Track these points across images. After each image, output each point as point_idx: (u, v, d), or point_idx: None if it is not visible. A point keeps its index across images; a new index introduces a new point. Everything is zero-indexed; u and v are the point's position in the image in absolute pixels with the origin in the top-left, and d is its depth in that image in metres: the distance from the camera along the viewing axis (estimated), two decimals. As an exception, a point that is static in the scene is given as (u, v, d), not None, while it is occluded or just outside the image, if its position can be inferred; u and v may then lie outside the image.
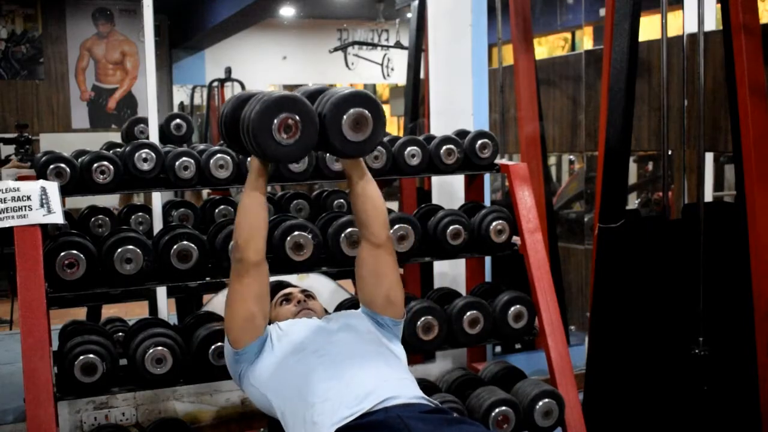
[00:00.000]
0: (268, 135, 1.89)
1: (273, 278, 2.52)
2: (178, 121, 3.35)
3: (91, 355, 2.35)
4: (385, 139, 2.93)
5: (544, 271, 2.82)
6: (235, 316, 2.04)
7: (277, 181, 2.73)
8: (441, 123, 3.37)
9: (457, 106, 3.44)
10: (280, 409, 1.97)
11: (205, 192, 3.86)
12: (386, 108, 13.14)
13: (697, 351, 2.98)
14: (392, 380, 1.91)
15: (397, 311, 2.14)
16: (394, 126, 12.25)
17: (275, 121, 1.89)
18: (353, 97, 1.97)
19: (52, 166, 2.47)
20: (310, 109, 1.94)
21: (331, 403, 1.84)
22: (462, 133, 3.04)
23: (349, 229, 2.65)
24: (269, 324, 2.15)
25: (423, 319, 2.71)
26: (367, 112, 1.96)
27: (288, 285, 2.45)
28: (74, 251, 2.38)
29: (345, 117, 1.94)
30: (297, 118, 1.91)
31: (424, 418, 1.77)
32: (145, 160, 2.56)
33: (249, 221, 2.00)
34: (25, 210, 2.32)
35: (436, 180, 3.50)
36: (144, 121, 3.18)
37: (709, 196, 3.94)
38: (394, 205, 4.01)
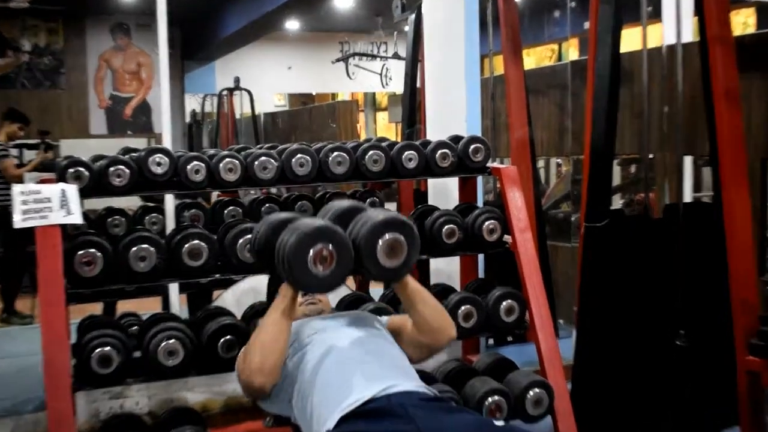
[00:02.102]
0: (304, 267, 1.83)
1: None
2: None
3: (107, 348, 2.33)
4: (384, 143, 2.93)
5: (533, 267, 2.81)
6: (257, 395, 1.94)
7: (283, 183, 2.72)
8: (436, 129, 3.39)
9: (451, 112, 3.45)
10: (288, 395, 1.93)
11: (214, 194, 3.87)
12: (384, 115, 13.16)
13: (678, 343, 2.97)
14: (394, 369, 1.89)
15: (413, 361, 2.06)
16: (392, 132, 12.29)
17: (311, 252, 1.83)
18: (388, 223, 1.91)
19: (71, 170, 2.46)
20: (344, 238, 1.88)
21: (336, 390, 1.80)
22: (456, 138, 3.04)
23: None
24: None
25: (420, 313, 2.70)
26: (402, 237, 1.90)
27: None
28: (92, 250, 2.36)
29: (380, 244, 1.88)
30: (331, 248, 1.84)
31: (425, 406, 1.75)
32: (158, 164, 2.55)
33: (269, 348, 1.87)
34: (46, 211, 2.31)
35: (431, 182, 3.53)
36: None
37: (688, 196, 3.92)
38: (392, 206, 4.04)
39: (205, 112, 12.20)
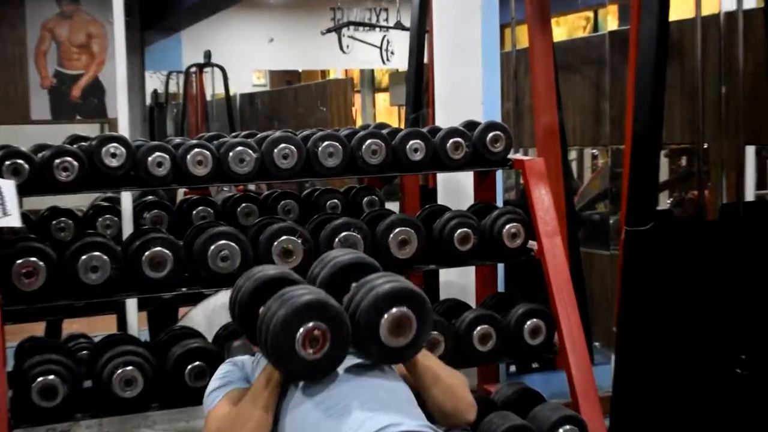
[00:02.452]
0: (290, 350, 1.80)
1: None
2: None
3: (51, 376, 2.34)
4: (385, 131, 2.96)
5: (564, 279, 2.84)
6: None
7: (263, 179, 2.74)
8: (447, 113, 3.40)
9: (466, 94, 3.45)
10: None
11: (180, 191, 3.90)
12: (385, 97, 13.17)
13: (738, 370, 2.97)
14: (394, 405, 1.89)
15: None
16: (394, 116, 12.26)
17: (300, 331, 1.80)
18: (394, 294, 1.89)
19: (8, 163, 2.47)
20: (340, 314, 1.86)
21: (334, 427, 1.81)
22: (471, 125, 3.04)
23: (345, 233, 2.67)
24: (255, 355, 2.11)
25: (427, 334, 2.73)
26: (410, 312, 1.89)
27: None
28: (33, 258, 2.37)
29: (383, 320, 1.87)
30: (325, 327, 1.82)
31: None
32: (113, 155, 2.57)
33: None
34: (-23, 212, 2.30)
35: (441, 177, 3.53)
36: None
37: (750, 194, 3.93)
38: (394, 206, 4.01)
39: (169, 93, 12.20)
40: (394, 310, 1.87)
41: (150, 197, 3.35)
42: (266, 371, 1.90)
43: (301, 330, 1.80)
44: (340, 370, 1.93)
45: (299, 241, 2.59)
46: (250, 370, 2.09)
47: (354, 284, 1.96)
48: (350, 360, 1.96)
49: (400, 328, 1.88)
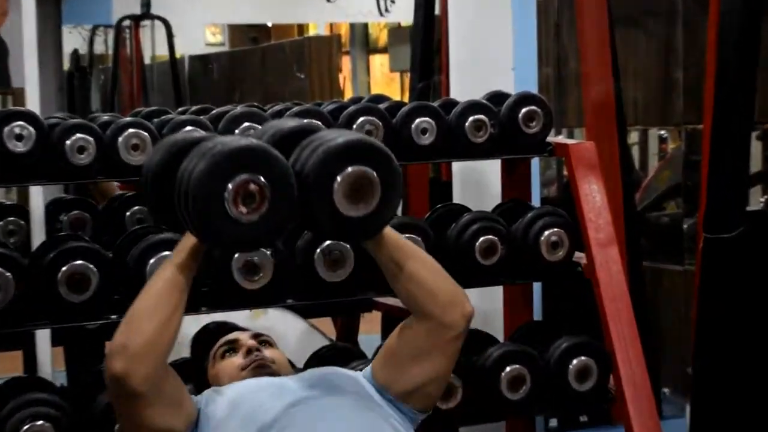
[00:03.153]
0: (218, 209, 1.83)
1: (213, 316, 2.53)
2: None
3: (-64, 434, 2.33)
4: (382, 106, 2.96)
5: (622, 304, 2.84)
6: None
7: None
8: (466, 82, 3.42)
9: (490, 56, 3.43)
10: None
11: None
12: (384, 60, 13.16)
13: None
14: None
15: (427, 403, 2.19)
16: (395, 86, 12.20)
17: (229, 186, 1.83)
18: (351, 148, 1.93)
19: None
20: (283, 167, 1.89)
21: None
22: (497, 97, 3.03)
23: (328, 242, 2.65)
24: (200, 394, 2.16)
25: (440, 377, 2.77)
26: (372, 171, 1.93)
27: (234, 327, 2.45)
28: None
29: (338, 181, 1.90)
30: (263, 181, 1.85)
31: None
32: (18, 137, 2.55)
33: (144, 317, 1.94)
34: None
35: (458, 168, 3.54)
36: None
37: None
38: None
39: (95, 55, 12.15)
40: (350, 169, 1.90)
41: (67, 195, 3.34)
42: (183, 240, 1.98)
43: (233, 183, 1.83)
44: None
45: (268, 253, 2.57)
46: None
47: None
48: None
49: (360, 192, 1.91)
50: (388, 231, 2.05)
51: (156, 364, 1.93)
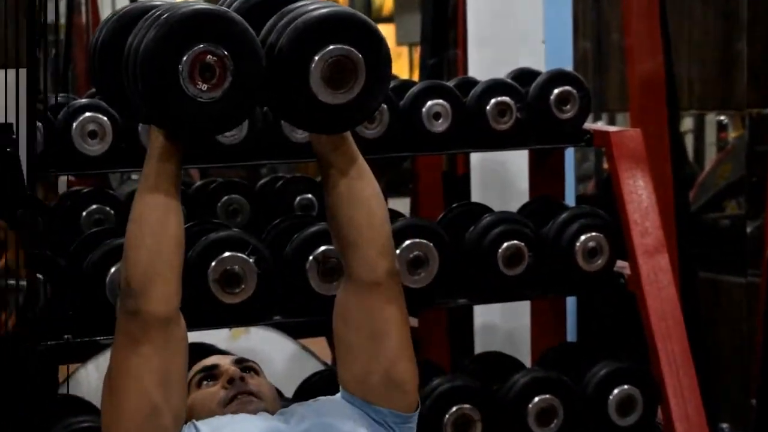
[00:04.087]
0: (172, 85, 1.75)
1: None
2: None
3: None
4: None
5: (673, 322, 2.80)
6: (124, 411, 1.92)
7: (194, 162, 2.82)
8: (487, 57, 3.42)
9: (517, 27, 3.43)
10: None
11: (62, 180, 3.94)
12: (389, 31, 13.00)
13: None
14: None
15: (406, 399, 2.10)
16: (403, 62, 12.14)
17: (184, 57, 1.76)
18: (331, 22, 1.85)
19: None
20: (249, 36, 1.82)
21: None
22: (525, 76, 3.06)
23: (323, 247, 2.67)
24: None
25: (455, 409, 2.76)
26: (355, 51, 1.84)
27: (211, 350, 2.47)
28: None
29: (316, 60, 1.82)
30: (224, 53, 1.78)
31: None
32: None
33: (148, 245, 1.90)
34: None
35: (477, 159, 3.54)
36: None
37: None
38: (403, 204, 4.13)
39: (45, 22, 12.14)
40: (332, 47, 1.83)
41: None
42: (149, 141, 1.92)
43: (186, 56, 1.76)
44: None
45: (251, 260, 2.60)
46: None
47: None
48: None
49: (342, 74, 1.85)
50: (350, 142, 2.01)
51: (177, 278, 1.93)
